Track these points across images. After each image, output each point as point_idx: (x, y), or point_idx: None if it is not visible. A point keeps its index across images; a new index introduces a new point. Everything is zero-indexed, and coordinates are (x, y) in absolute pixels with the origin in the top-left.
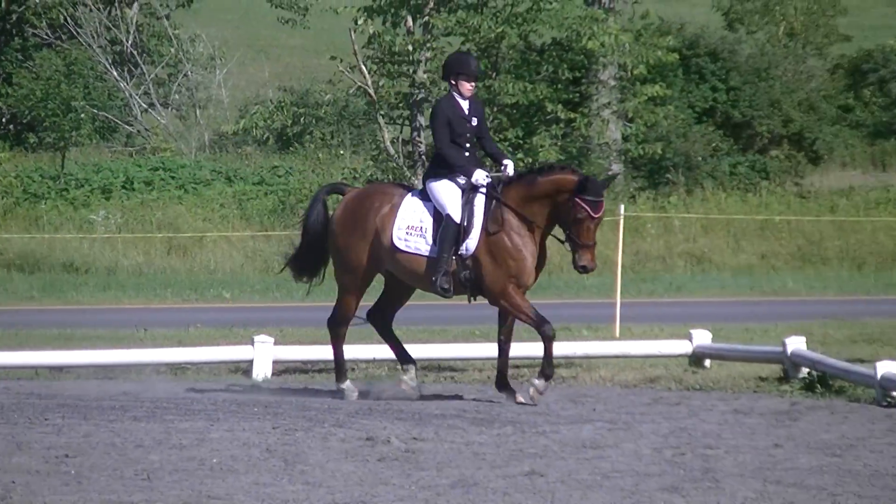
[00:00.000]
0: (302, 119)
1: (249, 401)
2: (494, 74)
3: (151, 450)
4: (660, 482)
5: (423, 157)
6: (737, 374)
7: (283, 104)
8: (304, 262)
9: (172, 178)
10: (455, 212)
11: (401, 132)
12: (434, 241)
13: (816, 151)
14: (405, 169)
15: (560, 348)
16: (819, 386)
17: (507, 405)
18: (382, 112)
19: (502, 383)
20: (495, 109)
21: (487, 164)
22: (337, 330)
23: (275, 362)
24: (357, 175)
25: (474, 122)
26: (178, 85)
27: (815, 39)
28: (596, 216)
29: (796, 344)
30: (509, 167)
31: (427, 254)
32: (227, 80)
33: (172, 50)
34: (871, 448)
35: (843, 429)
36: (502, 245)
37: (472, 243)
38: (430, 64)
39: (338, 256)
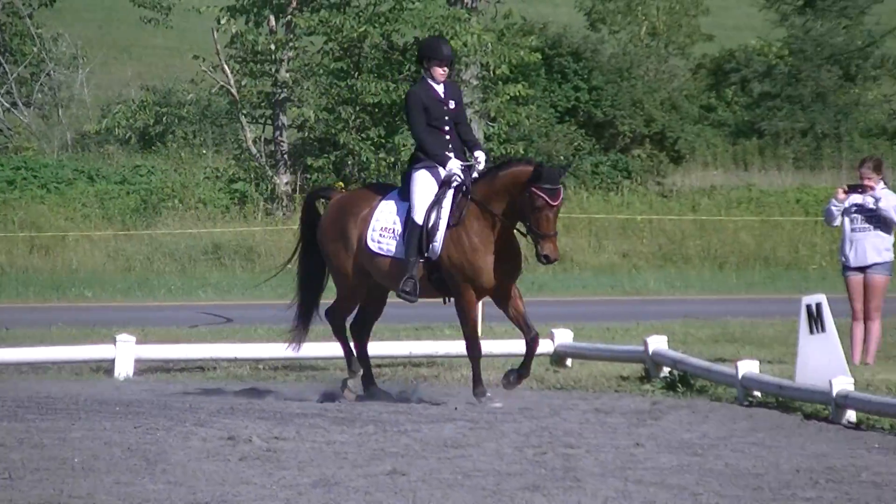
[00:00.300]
0: (164, 118)
1: (111, 400)
2: (357, 74)
3: (13, 449)
4: (521, 481)
5: (285, 156)
6: (598, 374)
7: (145, 103)
8: (306, 278)
9: (35, 177)
10: (419, 213)
11: (263, 131)
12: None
13: (678, 151)
14: (267, 168)
15: (422, 347)
16: (680, 385)
17: (367, 405)
18: (245, 111)
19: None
20: (357, 109)
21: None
22: (338, 327)
23: (136, 361)
24: (219, 175)
25: (452, 104)
26: (41, 84)
27: (677, 39)
28: (554, 204)
29: (658, 343)
30: (480, 159)
31: (396, 255)
32: (90, 80)
33: (35, 49)
34: (732, 447)
35: (705, 428)
36: (460, 244)
37: (437, 245)
38: (292, 63)
39: (328, 263)
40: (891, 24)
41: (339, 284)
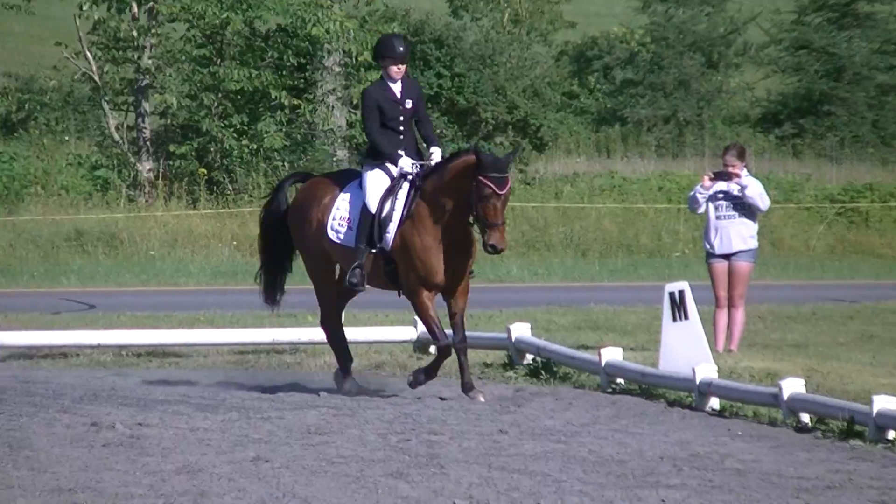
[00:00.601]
0: (26, 105)
1: None
2: (219, 61)
3: None
4: (385, 468)
5: (148, 143)
6: None
7: (7, 90)
8: (269, 260)
9: None
10: (372, 201)
11: (125, 118)
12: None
13: (541, 138)
14: (130, 155)
15: (286, 334)
16: (544, 372)
17: (231, 391)
18: (107, 98)
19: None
20: (220, 96)
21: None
22: (330, 327)
23: (0, 348)
24: (81, 161)
25: (408, 104)
26: None
27: (540, 26)
28: (501, 192)
29: (521, 330)
30: (435, 155)
31: (350, 244)
32: None
33: None
34: (595, 434)
35: (568, 415)
36: (411, 242)
37: (389, 237)
38: (154, 50)
39: (299, 251)
40: (753, 11)
41: (311, 276)
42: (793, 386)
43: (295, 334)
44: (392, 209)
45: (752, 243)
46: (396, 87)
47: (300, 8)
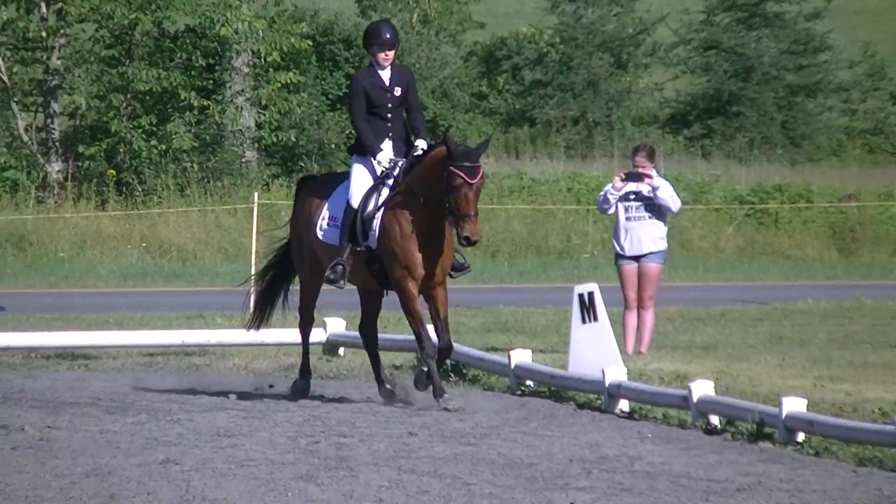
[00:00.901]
0: None
1: None
2: (128, 61)
3: None
4: (294, 471)
5: (57, 144)
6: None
7: None
8: (277, 265)
9: None
10: (355, 197)
11: (35, 119)
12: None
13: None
14: (39, 156)
15: (195, 336)
16: (453, 374)
17: (140, 394)
18: (16, 99)
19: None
20: (129, 97)
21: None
22: (305, 331)
23: None
24: None
25: (397, 91)
26: None
27: (449, 26)
28: (472, 182)
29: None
30: (419, 147)
31: (336, 243)
32: None
33: None
34: (505, 437)
35: (478, 417)
36: (391, 233)
37: (374, 234)
38: (63, 51)
39: (293, 259)
40: (662, 11)
41: (297, 269)
42: (702, 388)
43: (204, 336)
44: (376, 207)
45: (662, 245)
46: (385, 74)
47: (209, 8)
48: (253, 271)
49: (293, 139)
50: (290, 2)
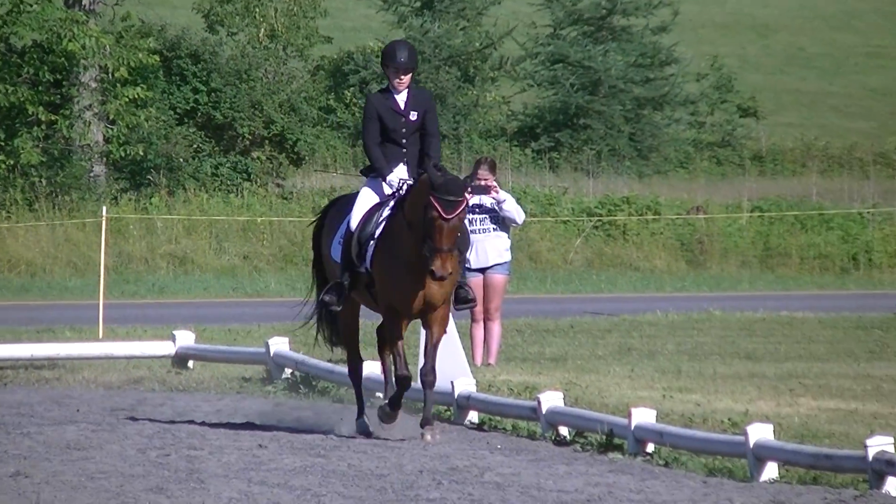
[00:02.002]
0: None
1: None
2: None
3: None
4: (145, 483)
5: None
6: (221, 375)
7: None
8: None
9: None
10: (354, 219)
11: None
12: None
13: (298, 153)
14: None
15: (43, 350)
16: (303, 386)
17: None
18: None
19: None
20: None
21: None
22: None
23: None
24: None
25: (413, 116)
26: None
27: (296, 41)
28: (447, 217)
29: (280, 345)
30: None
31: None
32: None
33: None
34: (355, 449)
35: (326, 430)
36: (379, 264)
37: (368, 255)
38: None
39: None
40: (509, 25)
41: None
42: (551, 399)
43: (54, 349)
44: (375, 226)
45: (507, 256)
46: (401, 98)
47: (56, 24)
48: (102, 284)
49: (141, 153)
50: (137, 17)
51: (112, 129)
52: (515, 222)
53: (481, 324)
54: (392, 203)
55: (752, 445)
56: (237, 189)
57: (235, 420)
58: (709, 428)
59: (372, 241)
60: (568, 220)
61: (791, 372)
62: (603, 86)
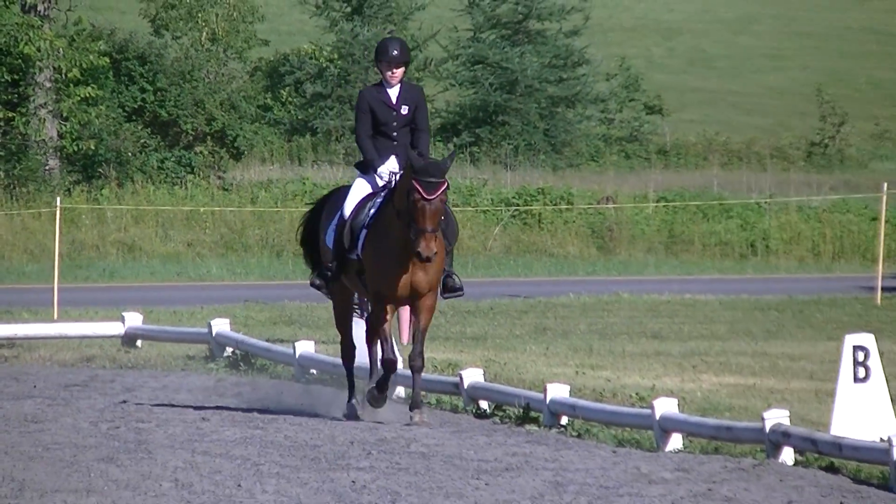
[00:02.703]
0: None
1: None
2: None
3: None
4: (97, 453)
5: None
6: (166, 354)
7: None
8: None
9: None
10: (347, 207)
11: None
12: None
13: (238, 147)
14: None
15: (2, 330)
16: (242, 364)
17: None
18: None
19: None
20: None
21: None
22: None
23: None
24: None
25: (404, 110)
26: None
27: (235, 44)
28: (428, 198)
29: (221, 325)
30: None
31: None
32: None
33: None
34: (291, 421)
35: (265, 404)
36: (368, 251)
37: (360, 243)
38: None
39: None
40: (433, 29)
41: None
42: (472, 375)
43: (11, 330)
44: (366, 216)
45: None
46: (393, 92)
47: (13, 28)
48: (56, 270)
49: (93, 148)
50: (88, 22)
51: (65, 126)
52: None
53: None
54: (384, 193)
55: (658, 418)
56: (181, 181)
57: (180, 395)
58: (618, 402)
59: (363, 230)
60: (487, 210)
61: (694, 350)
62: (519, 85)
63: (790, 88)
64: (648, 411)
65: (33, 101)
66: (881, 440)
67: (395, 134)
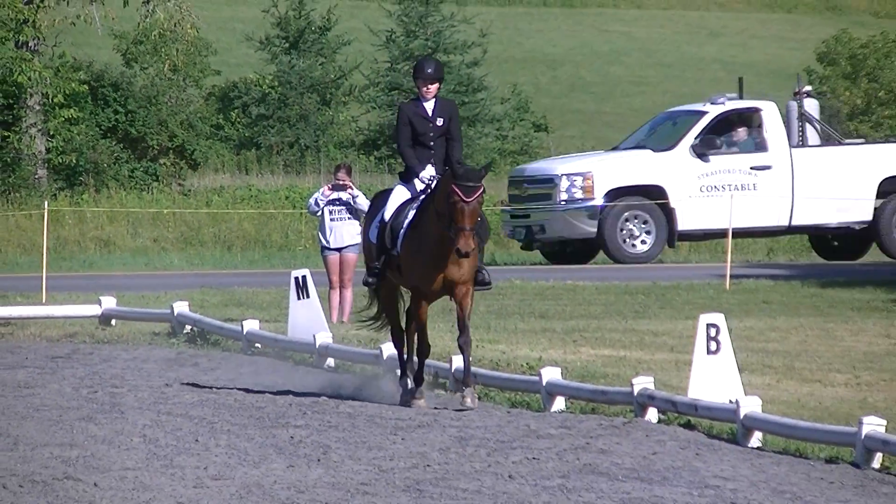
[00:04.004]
0: None
1: None
2: None
3: None
4: (78, 413)
5: None
6: (136, 331)
7: None
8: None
9: None
10: (388, 211)
11: None
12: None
13: (195, 159)
14: None
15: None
16: (199, 339)
17: None
18: None
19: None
20: None
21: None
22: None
23: None
24: None
25: (439, 122)
26: None
27: (193, 73)
28: (467, 200)
29: (181, 307)
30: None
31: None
32: None
33: None
34: (240, 386)
35: (218, 373)
36: (406, 250)
37: (399, 242)
38: None
39: None
40: (356, 61)
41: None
42: (390, 349)
43: (7, 311)
44: (405, 218)
45: (358, 239)
46: (429, 106)
47: (8, 60)
48: (44, 261)
49: (74, 160)
50: (71, 55)
51: (52, 142)
52: (365, 213)
53: (337, 290)
54: (423, 197)
55: (544, 384)
56: (148, 187)
57: (147, 365)
58: (511, 370)
59: (402, 230)
60: None
61: (574, 327)
62: None
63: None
64: (536, 378)
65: (25, 121)
66: (730, 402)
67: (431, 143)
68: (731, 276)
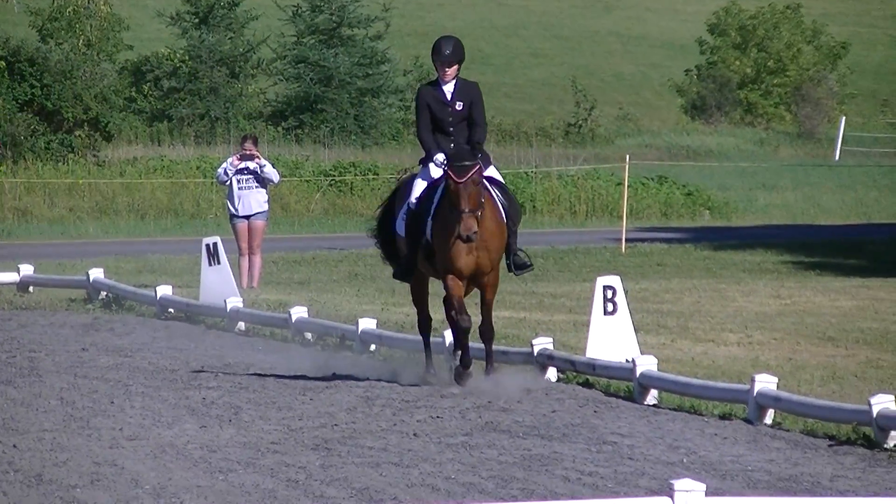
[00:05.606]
0: None
1: None
2: None
3: None
4: None
5: None
6: (53, 297)
7: None
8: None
9: None
10: (413, 196)
11: None
12: None
13: (109, 132)
14: None
15: None
16: (114, 305)
17: None
18: None
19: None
20: None
21: None
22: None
23: None
24: None
25: (459, 106)
26: None
27: (106, 48)
28: (458, 180)
29: (96, 274)
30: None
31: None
32: None
33: None
34: (153, 350)
35: (132, 337)
36: (435, 233)
37: (428, 228)
38: None
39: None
40: (263, 35)
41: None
42: (299, 312)
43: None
44: (430, 204)
45: (266, 207)
46: (448, 89)
47: None
48: None
49: None
50: None
51: None
52: (273, 181)
53: (247, 257)
54: (443, 184)
55: (447, 344)
56: (64, 159)
57: (64, 330)
58: (415, 333)
59: (430, 217)
60: (310, 180)
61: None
62: (334, 80)
63: (550, 80)
64: (441, 339)
65: None
66: (626, 361)
67: (451, 129)
68: (627, 240)
